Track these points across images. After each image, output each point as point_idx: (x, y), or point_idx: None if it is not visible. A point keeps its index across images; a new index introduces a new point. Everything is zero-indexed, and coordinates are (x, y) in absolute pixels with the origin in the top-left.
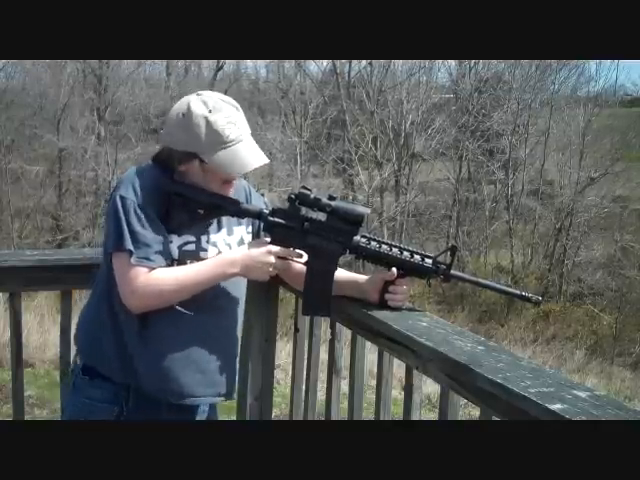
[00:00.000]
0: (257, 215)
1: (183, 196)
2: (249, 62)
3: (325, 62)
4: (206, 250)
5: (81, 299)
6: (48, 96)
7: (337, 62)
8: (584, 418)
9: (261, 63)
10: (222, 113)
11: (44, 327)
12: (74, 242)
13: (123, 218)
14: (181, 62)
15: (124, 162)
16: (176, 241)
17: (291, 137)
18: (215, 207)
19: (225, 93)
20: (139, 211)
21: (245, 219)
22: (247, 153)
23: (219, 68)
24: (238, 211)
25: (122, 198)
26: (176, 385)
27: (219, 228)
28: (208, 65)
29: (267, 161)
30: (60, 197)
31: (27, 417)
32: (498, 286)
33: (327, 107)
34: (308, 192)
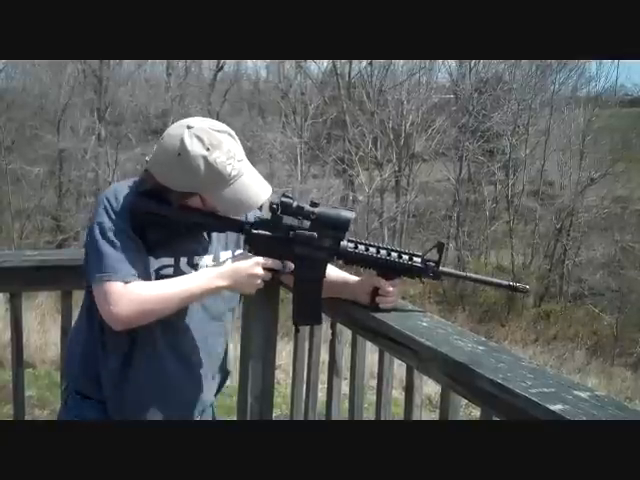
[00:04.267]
0: (239, 228)
1: (159, 215)
2: (249, 62)
3: (325, 62)
4: (185, 273)
5: (82, 300)
6: (48, 97)
7: (337, 62)
8: (585, 418)
9: (261, 63)
10: (221, 150)
11: (45, 327)
12: (74, 243)
13: (100, 244)
14: (181, 62)
15: (124, 163)
16: (153, 264)
17: (291, 137)
18: (194, 224)
19: (225, 93)
20: (114, 234)
21: (231, 243)
22: (251, 187)
23: (219, 68)
24: (218, 226)
25: (98, 224)
26: (159, 416)
27: (205, 253)
28: (208, 65)
29: (271, 190)
30: (60, 198)
31: (27, 417)
32: (486, 278)
33: (327, 107)
34: (290, 200)
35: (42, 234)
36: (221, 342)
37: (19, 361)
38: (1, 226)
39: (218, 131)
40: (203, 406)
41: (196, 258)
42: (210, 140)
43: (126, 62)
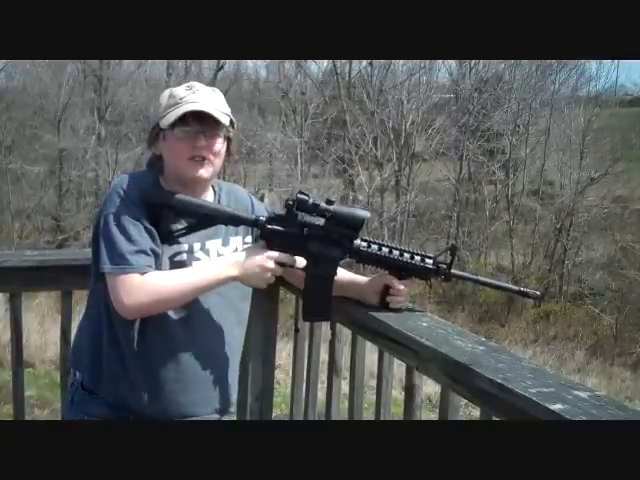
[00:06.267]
0: (253, 223)
1: (173, 207)
2: (249, 62)
3: (325, 62)
4: (199, 259)
5: (82, 299)
6: (48, 96)
7: (337, 62)
8: (584, 418)
9: (261, 63)
10: (189, 87)
11: (44, 327)
12: (74, 242)
13: (114, 234)
14: (181, 62)
15: (124, 162)
16: (167, 252)
17: (291, 137)
18: (207, 217)
19: (225, 93)
20: (130, 223)
21: (242, 229)
22: (193, 103)
23: (219, 68)
24: (232, 219)
25: (113, 214)
26: (175, 407)
27: (215, 236)
28: (208, 65)
29: (223, 112)
30: (60, 197)
31: (27, 417)
32: (497, 283)
33: (327, 107)
34: (306, 197)
35: (42, 234)
36: (237, 330)
37: (19, 361)
38: (1, 226)
39: (205, 86)
40: (223, 399)
41: (207, 243)
42: (189, 84)
43: (126, 62)
